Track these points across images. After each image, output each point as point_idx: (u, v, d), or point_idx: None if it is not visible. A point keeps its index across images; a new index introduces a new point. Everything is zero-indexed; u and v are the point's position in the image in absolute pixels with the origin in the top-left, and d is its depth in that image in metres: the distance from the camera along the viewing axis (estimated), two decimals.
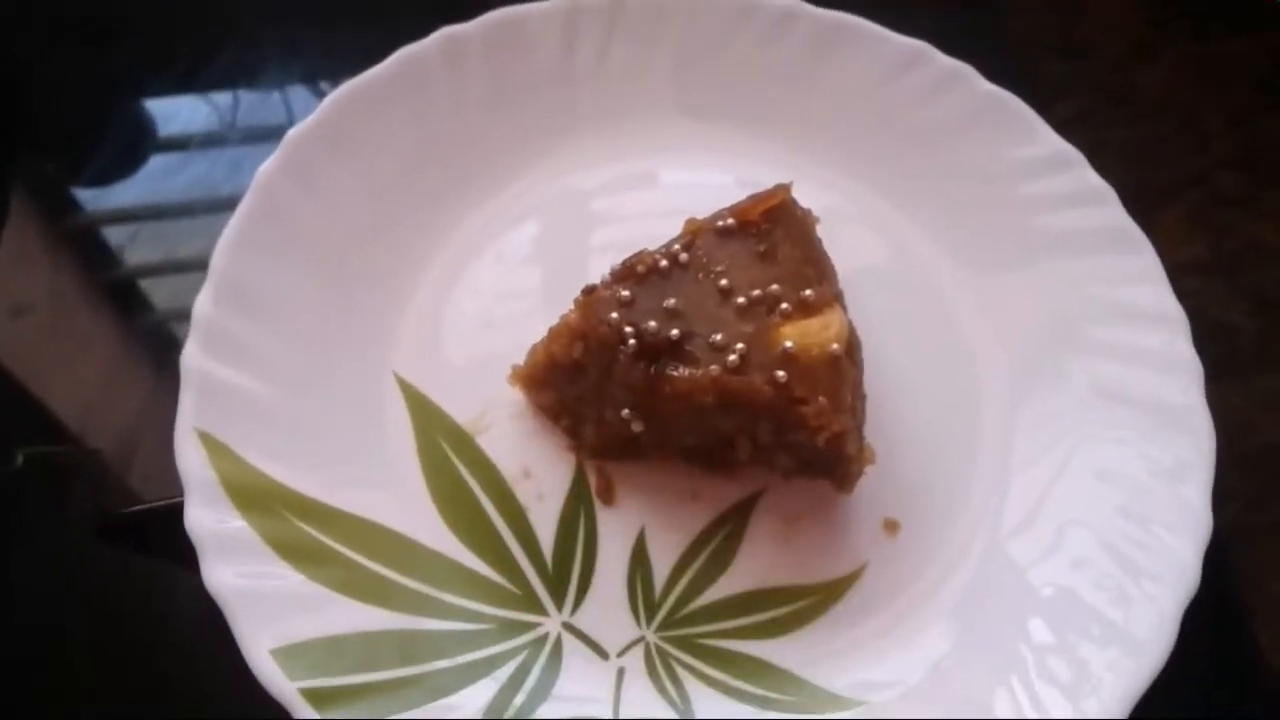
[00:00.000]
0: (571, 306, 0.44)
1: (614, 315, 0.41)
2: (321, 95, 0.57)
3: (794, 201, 0.46)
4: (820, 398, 0.40)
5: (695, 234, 0.44)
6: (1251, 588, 0.48)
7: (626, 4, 0.54)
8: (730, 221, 0.44)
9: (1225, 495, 0.49)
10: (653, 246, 0.44)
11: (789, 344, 0.40)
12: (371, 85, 0.51)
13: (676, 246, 0.44)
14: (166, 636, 0.45)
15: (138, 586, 0.46)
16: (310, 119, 0.49)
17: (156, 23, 0.65)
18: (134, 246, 0.56)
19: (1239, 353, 0.55)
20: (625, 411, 0.43)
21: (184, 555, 0.39)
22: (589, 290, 0.43)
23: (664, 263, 0.43)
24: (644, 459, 0.45)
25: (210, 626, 0.38)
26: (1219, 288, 0.57)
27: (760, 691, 0.41)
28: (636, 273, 0.43)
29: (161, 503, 0.45)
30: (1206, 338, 0.49)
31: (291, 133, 0.48)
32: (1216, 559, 0.44)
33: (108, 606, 0.45)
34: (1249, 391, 0.54)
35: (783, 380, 0.40)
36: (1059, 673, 0.39)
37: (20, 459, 0.48)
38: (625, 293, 0.42)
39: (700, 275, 0.43)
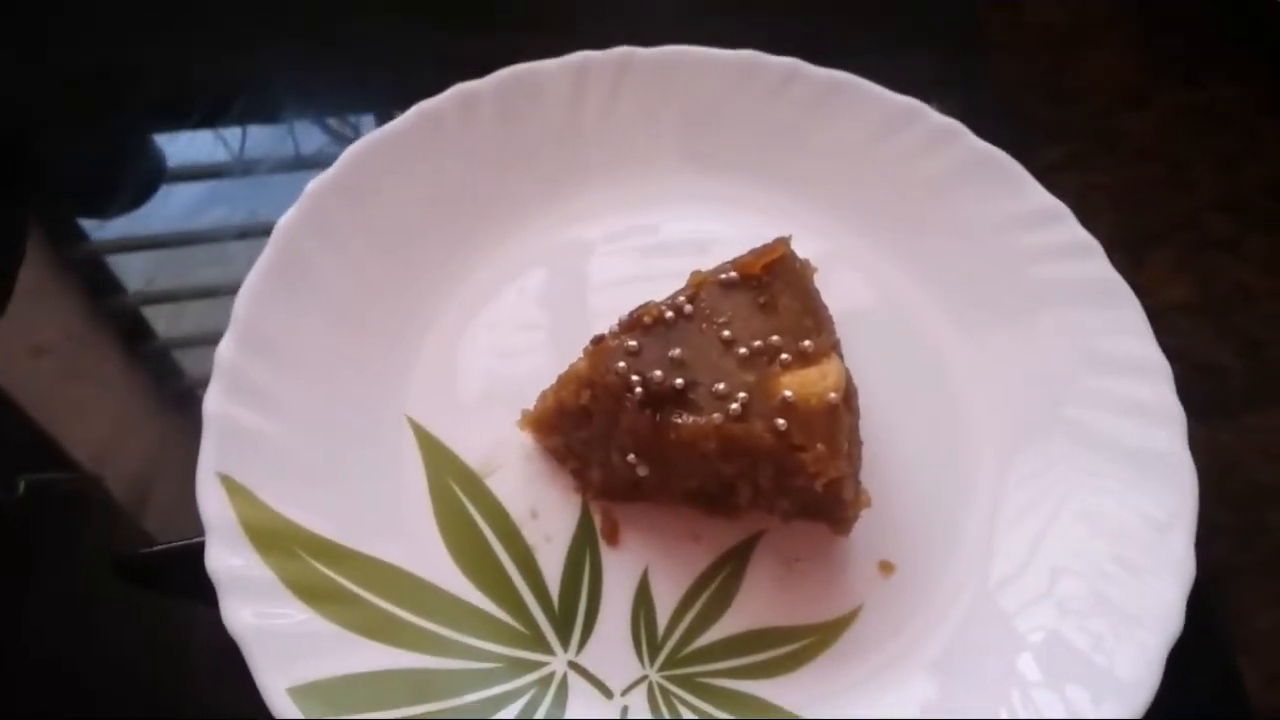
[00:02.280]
0: (579, 354, 0.45)
1: (621, 364, 0.43)
2: (331, 133, 0.59)
3: (793, 254, 0.47)
4: (819, 445, 0.41)
5: (699, 286, 0.46)
6: (1239, 624, 0.49)
7: (634, 62, 0.56)
8: (733, 274, 0.46)
9: (1214, 531, 0.50)
10: (657, 295, 0.46)
11: (788, 393, 0.42)
12: (388, 138, 0.52)
13: (681, 298, 0.45)
14: (183, 675, 0.45)
15: (155, 626, 0.47)
16: (329, 171, 0.50)
17: (170, 72, 0.67)
18: (149, 288, 0.57)
19: (1228, 392, 0.56)
20: (630, 456, 0.44)
21: (202, 594, 0.40)
22: (597, 340, 0.44)
23: (669, 314, 0.44)
24: (648, 501, 0.46)
25: (227, 665, 0.39)
26: (1207, 329, 0.58)
27: None
28: (643, 323, 0.44)
29: (180, 543, 0.46)
30: (1196, 377, 0.50)
31: (311, 185, 0.50)
32: (1205, 596, 0.45)
33: (124, 648, 0.46)
34: (1238, 430, 0.55)
35: (783, 428, 0.41)
36: (1048, 713, 0.40)
37: (22, 487, 0.49)
38: (632, 343, 0.43)
39: (704, 326, 0.44)
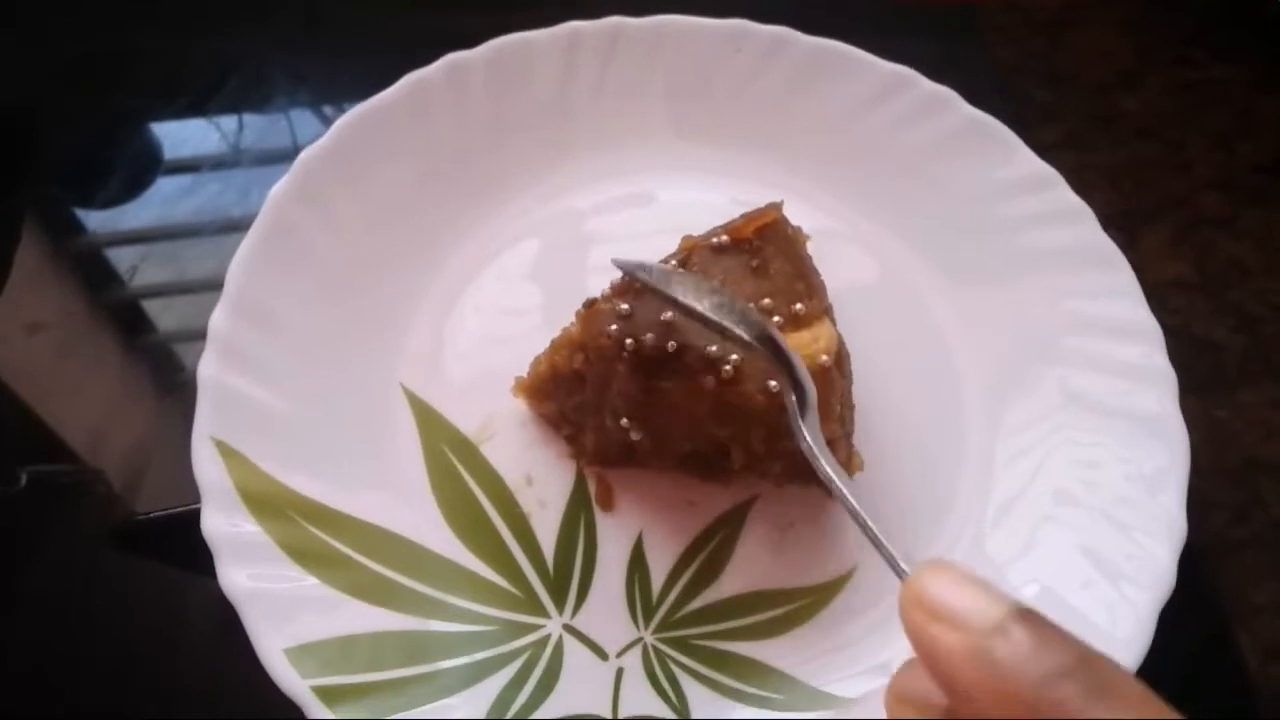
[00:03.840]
0: (572, 320, 0.45)
1: (613, 327, 0.43)
2: (326, 120, 0.59)
3: (785, 219, 0.47)
4: None
5: (691, 250, 0.46)
6: (1235, 598, 0.49)
7: (624, 31, 0.56)
8: (724, 238, 0.45)
9: (1211, 506, 0.51)
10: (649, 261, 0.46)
11: None
12: (380, 108, 0.52)
13: (673, 262, 0.45)
14: (180, 639, 0.46)
15: (150, 592, 0.47)
16: (321, 141, 0.50)
17: (165, 57, 0.67)
18: (144, 268, 0.58)
19: (1224, 368, 0.56)
20: (624, 420, 0.44)
21: (198, 560, 0.40)
22: (589, 303, 0.44)
23: None
24: (642, 467, 0.47)
25: (224, 628, 0.39)
26: (1203, 305, 0.58)
27: (754, 691, 0.42)
28: (635, 287, 0.44)
29: (176, 509, 0.46)
30: (1192, 353, 0.50)
31: (303, 154, 0.50)
32: (1201, 568, 0.45)
33: (121, 613, 0.47)
34: (1234, 405, 0.55)
35: (775, 390, 0.41)
36: None
37: (24, 479, 0.49)
38: (624, 306, 0.43)
39: None
